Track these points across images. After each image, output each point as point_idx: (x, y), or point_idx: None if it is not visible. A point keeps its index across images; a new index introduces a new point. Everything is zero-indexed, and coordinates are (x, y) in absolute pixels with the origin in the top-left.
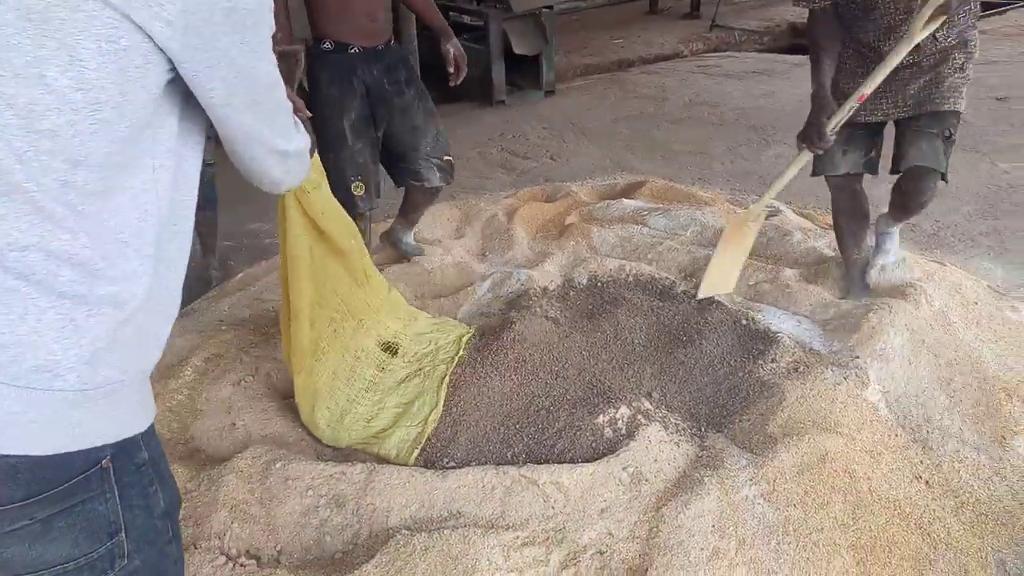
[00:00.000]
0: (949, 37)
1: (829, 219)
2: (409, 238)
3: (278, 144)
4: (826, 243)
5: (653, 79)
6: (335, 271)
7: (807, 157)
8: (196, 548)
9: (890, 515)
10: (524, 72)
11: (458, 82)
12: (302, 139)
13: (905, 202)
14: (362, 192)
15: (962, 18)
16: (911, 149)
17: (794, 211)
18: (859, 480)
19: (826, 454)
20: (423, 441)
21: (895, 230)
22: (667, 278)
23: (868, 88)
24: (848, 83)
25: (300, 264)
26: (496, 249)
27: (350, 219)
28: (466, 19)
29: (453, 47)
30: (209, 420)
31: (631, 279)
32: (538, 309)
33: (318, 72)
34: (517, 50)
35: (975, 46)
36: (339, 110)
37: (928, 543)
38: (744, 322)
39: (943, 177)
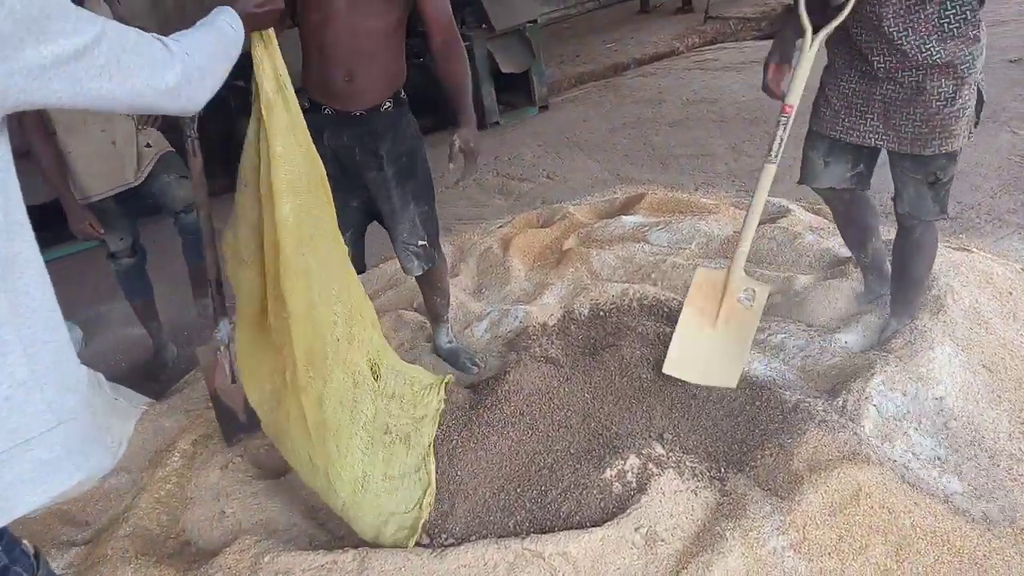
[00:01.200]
0: (932, 50)
1: None
2: (443, 339)
3: (158, 86)
4: (840, 242)
5: (649, 81)
6: (327, 249)
7: (769, 180)
8: None
9: (939, 552)
10: (516, 89)
11: (456, 183)
12: (177, 64)
13: (896, 256)
14: None
15: (953, 25)
16: (900, 193)
17: (805, 208)
18: (899, 516)
19: (859, 489)
20: (419, 528)
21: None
22: (673, 299)
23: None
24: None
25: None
26: (492, 285)
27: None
28: None
29: (460, 139)
30: (198, 509)
31: (635, 304)
32: (537, 349)
33: None
34: (504, 69)
35: (969, 68)
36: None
37: None
38: (759, 340)
39: (944, 215)
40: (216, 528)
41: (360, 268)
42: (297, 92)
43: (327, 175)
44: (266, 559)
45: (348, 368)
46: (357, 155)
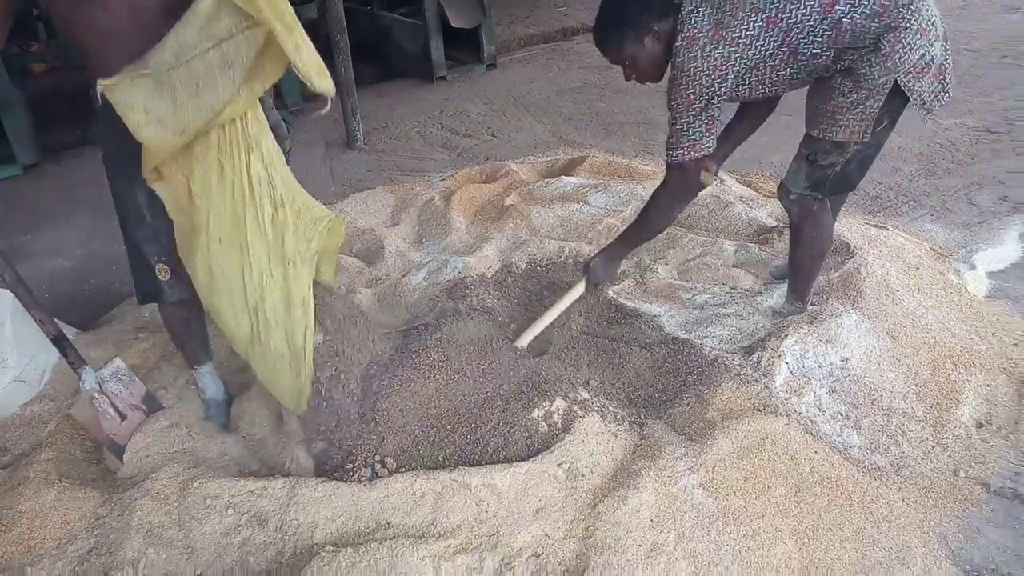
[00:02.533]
0: (821, 70)
1: (771, 187)
2: None
3: None
4: (768, 212)
5: (596, 48)
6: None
7: (579, 293)
8: None
9: (832, 496)
10: (465, 46)
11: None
12: None
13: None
14: (168, 276)
15: (830, 60)
16: (789, 167)
17: (737, 180)
18: (800, 462)
19: (766, 437)
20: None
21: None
22: None
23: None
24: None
25: None
26: (433, 235)
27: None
28: None
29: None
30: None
31: (571, 261)
32: (474, 299)
33: (103, 128)
34: (454, 23)
35: (867, 77)
36: (133, 176)
37: (871, 522)
38: (684, 299)
39: (815, 193)
40: (141, 457)
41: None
42: (94, 83)
43: None
44: (195, 484)
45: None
46: None
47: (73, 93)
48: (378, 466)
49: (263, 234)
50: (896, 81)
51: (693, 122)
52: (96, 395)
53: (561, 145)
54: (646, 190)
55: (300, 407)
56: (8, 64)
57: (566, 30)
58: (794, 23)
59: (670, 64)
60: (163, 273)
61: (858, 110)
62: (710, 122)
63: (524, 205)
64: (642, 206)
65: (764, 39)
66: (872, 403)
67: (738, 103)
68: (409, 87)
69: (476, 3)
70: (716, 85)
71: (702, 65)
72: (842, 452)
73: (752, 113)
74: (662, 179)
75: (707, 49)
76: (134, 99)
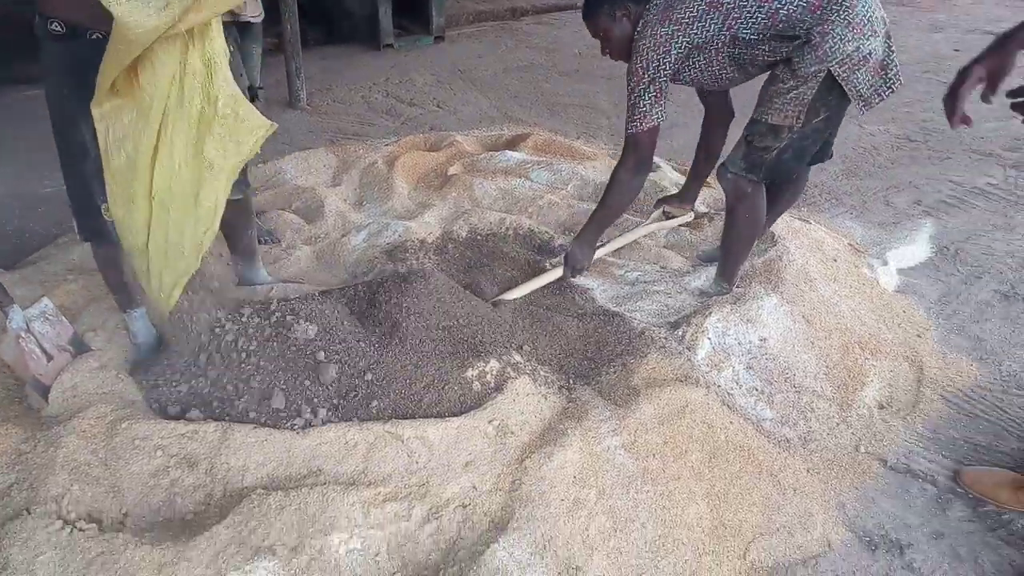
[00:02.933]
0: (763, 57)
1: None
2: (260, 274)
3: None
4: (700, 199)
5: (546, 30)
6: None
7: (556, 275)
8: (29, 513)
9: (744, 463)
10: (414, 16)
11: None
12: None
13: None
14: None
15: (768, 48)
16: None
17: (673, 167)
18: (716, 431)
19: (686, 405)
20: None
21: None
22: (546, 232)
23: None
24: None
25: None
26: (374, 198)
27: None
28: None
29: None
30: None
31: (510, 233)
32: (414, 262)
33: (47, 64)
34: None
35: (800, 65)
36: (75, 116)
37: (777, 489)
38: (616, 276)
39: (751, 175)
40: (67, 397)
41: None
42: (41, 18)
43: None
44: (123, 425)
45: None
46: None
47: (8, 21)
48: (309, 414)
49: (187, 127)
50: (833, 74)
51: (643, 95)
52: (23, 335)
53: (506, 121)
54: (586, 170)
55: (166, 306)
56: None
57: (516, 10)
58: (732, 8)
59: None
60: (107, 213)
61: (791, 95)
62: (657, 95)
63: (467, 176)
64: (581, 184)
65: (705, 20)
66: (785, 381)
67: (701, 102)
68: (355, 52)
69: None
70: (660, 59)
71: (649, 43)
72: (755, 424)
73: (714, 122)
74: (619, 157)
75: (654, 28)
76: None
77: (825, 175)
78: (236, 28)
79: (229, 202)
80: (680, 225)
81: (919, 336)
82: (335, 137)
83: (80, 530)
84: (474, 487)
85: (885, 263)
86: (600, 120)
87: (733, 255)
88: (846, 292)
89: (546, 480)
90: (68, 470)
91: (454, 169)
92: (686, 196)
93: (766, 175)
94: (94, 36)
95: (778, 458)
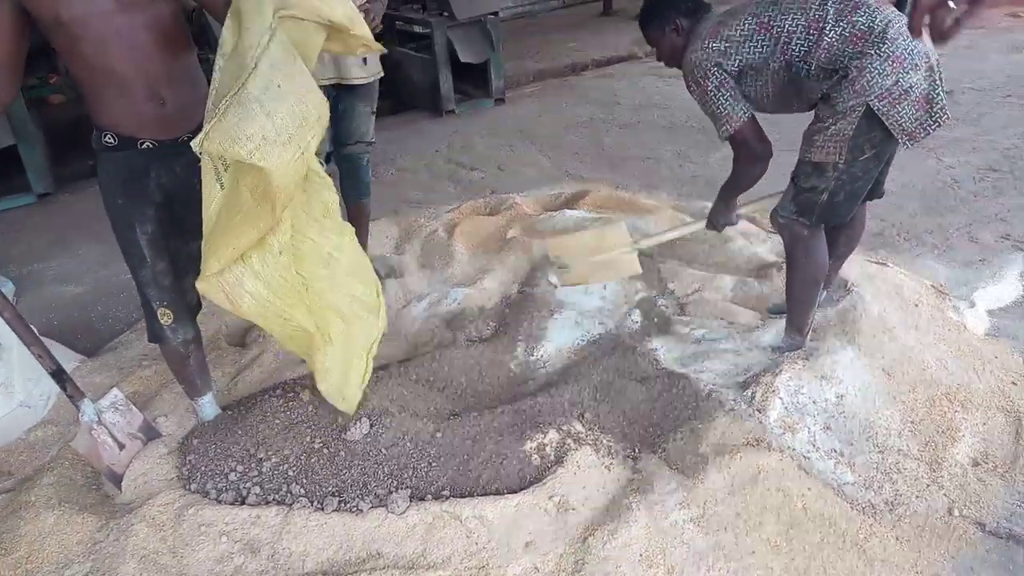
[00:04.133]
0: (812, 93)
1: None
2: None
3: None
4: (768, 248)
5: (605, 83)
6: None
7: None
8: None
9: (825, 533)
10: (474, 80)
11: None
12: None
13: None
14: (170, 320)
15: (816, 83)
16: None
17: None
18: (793, 499)
19: (759, 473)
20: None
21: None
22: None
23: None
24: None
25: None
26: (435, 267)
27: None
28: (416, 28)
29: None
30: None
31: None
32: (473, 330)
33: (103, 174)
34: (463, 58)
35: (838, 101)
36: (131, 223)
37: (864, 560)
38: (681, 334)
39: (802, 219)
40: (139, 484)
41: (199, 305)
42: (97, 132)
43: (158, 219)
44: (189, 512)
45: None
46: (198, 185)
47: (89, 125)
48: (370, 497)
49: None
50: (872, 108)
51: (717, 100)
52: (95, 426)
53: (566, 179)
54: (647, 224)
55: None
56: (26, 95)
57: (575, 65)
58: (782, 32)
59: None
60: (165, 317)
61: (830, 131)
62: (732, 94)
63: (526, 238)
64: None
65: (757, 41)
66: (867, 440)
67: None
68: (418, 120)
69: (485, 39)
70: (716, 67)
71: (702, 56)
72: (836, 489)
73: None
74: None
75: (705, 41)
76: (234, 131)
77: (903, 213)
78: (334, 88)
79: None
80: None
81: (1015, 384)
82: (399, 206)
83: None
84: (536, 568)
85: (973, 305)
86: (662, 171)
87: (799, 302)
88: (930, 340)
89: (611, 560)
90: (138, 559)
91: (513, 232)
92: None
93: (820, 219)
94: (144, 145)
95: (863, 526)
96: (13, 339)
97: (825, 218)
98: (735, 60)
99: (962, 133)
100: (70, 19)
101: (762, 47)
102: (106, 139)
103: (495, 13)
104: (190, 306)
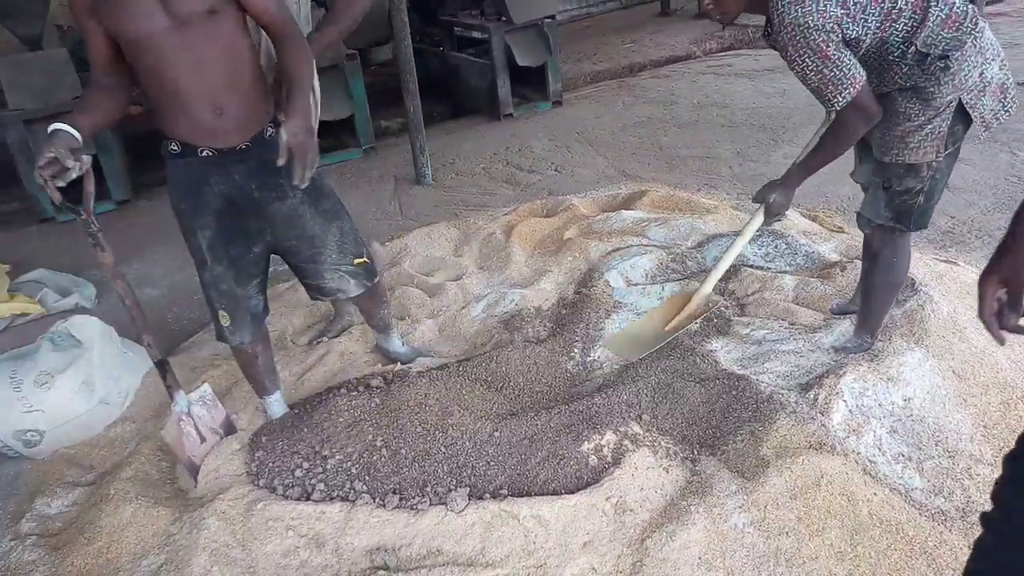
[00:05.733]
0: (896, 78)
1: (837, 221)
2: (394, 343)
3: None
4: (831, 247)
5: (663, 83)
6: None
7: (758, 224)
8: None
9: (892, 540)
10: (532, 83)
11: (297, 181)
12: None
13: (862, 273)
14: (228, 323)
15: (905, 68)
16: (864, 197)
17: (801, 213)
18: (858, 504)
19: (822, 476)
20: None
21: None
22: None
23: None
24: None
25: None
26: (492, 268)
27: None
28: (475, 34)
29: (288, 132)
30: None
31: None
32: (530, 331)
33: (170, 181)
34: (520, 62)
35: (933, 94)
36: (192, 227)
37: (933, 569)
38: (742, 335)
39: (900, 225)
40: (211, 479)
41: (256, 321)
42: (165, 140)
43: (217, 226)
44: (258, 507)
45: None
46: (255, 192)
47: (162, 135)
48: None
49: None
50: (963, 102)
51: (838, 63)
52: (184, 417)
53: (623, 180)
54: (706, 224)
55: None
56: None
57: (633, 66)
58: (894, 6)
59: (768, 21)
60: (224, 319)
61: (927, 129)
62: (842, 57)
63: (583, 239)
64: (701, 240)
65: (868, 13)
66: (936, 445)
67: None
68: (476, 124)
69: (542, 42)
70: (838, 30)
71: (818, 19)
72: (903, 495)
73: None
74: (832, 121)
75: (820, 4)
76: None
77: (974, 210)
78: None
79: (356, 297)
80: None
81: None
82: (458, 210)
83: None
84: (593, 569)
85: None
86: (721, 169)
87: (878, 304)
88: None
89: (669, 562)
90: (209, 552)
91: (570, 233)
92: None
93: (918, 222)
94: (204, 153)
95: (932, 533)
96: (95, 339)
97: (923, 221)
98: (854, 30)
99: None
100: (135, 35)
101: (871, 20)
102: (171, 147)
103: (552, 16)
104: (253, 312)
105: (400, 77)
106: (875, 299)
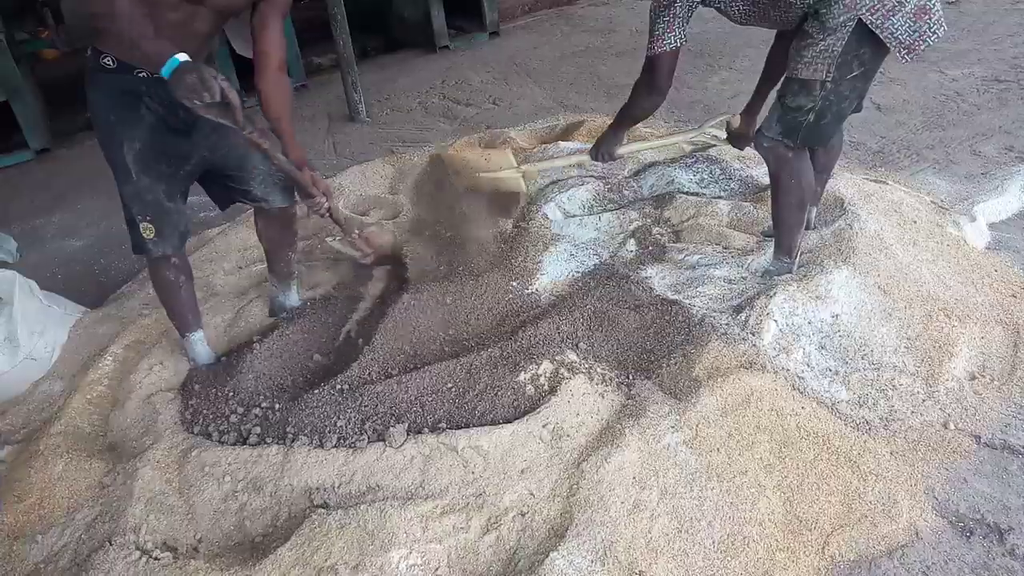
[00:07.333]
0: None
1: None
2: (292, 297)
3: None
4: (764, 171)
5: (601, 11)
6: None
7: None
8: (111, 544)
9: (818, 451)
10: (468, 15)
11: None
12: None
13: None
14: (152, 234)
15: None
16: None
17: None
18: (786, 418)
19: (751, 394)
20: None
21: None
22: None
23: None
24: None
25: None
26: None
27: None
28: None
29: (311, 207)
30: (127, 411)
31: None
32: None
33: (94, 93)
34: None
35: (828, 16)
36: (119, 140)
37: (857, 475)
38: (676, 260)
39: (787, 140)
40: (143, 428)
41: (180, 237)
42: (94, 53)
43: (149, 140)
44: (193, 454)
45: None
46: (190, 116)
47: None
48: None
49: None
50: (864, 22)
51: (659, 20)
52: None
53: (562, 111)
54: (644, 153)
55: None
56: (17, 50)
57: None
58: None
59: None
60: (147, 231)
61: (819, 47)
62: (671, 21)
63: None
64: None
65: None
66: (862, 358)
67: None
68: (412, 58)
69: None
70: None
71: None
72: (830, 408)
73: (773, 73)
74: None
75: None
76: None
77: (903, 129)
78: None
79: (273, 211)
80: (709, 136)
81: (1014, 296)
82: (394, 146)
83: (155, 559)
84: (531, 494)
85: (973, 219)
86: None
87: (786, 225)
88: (928, 256)
89: (604, 483)
90: (144, 501)
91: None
92: (750, 111)
93: (804, 140)
94: (141, 74)
95: (857, 442)
96: (13, 293)
97: (810, 140)
98: None
99: (967, 44)
100: None
101: None
102: (104, 60)
103: None
104: (178, 227)
105: (328, 10)
106: (783, 220)
